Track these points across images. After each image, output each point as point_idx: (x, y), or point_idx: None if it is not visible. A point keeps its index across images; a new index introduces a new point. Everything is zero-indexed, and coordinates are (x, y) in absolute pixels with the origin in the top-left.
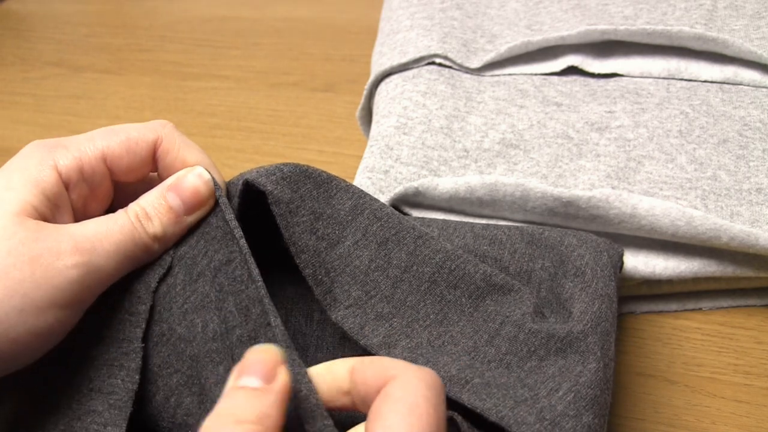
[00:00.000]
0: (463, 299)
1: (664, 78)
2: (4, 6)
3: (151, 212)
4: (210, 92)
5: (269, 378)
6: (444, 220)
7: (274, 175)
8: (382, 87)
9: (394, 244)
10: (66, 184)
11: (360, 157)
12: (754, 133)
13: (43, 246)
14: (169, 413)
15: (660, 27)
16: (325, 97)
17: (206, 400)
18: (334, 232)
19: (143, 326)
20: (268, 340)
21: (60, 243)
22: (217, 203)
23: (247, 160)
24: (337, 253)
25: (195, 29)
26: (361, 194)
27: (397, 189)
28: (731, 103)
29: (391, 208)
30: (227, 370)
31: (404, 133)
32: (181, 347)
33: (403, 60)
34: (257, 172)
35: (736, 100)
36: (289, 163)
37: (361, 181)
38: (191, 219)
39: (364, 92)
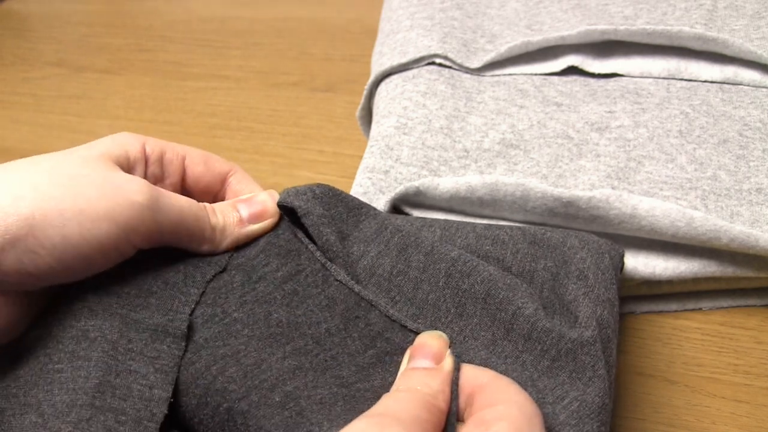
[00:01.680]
0: (476, 286)
1: (664, 78)
2: (4, 6)
3: (218, 209)
4: (210, 92)
5: (438, 359)
6: (446, 220)
7: (305, 194)
8: (382, 87)
9: (413, 249)
10: (147, 158)
11: (360, 157)
12: (754, 133)
13: (115, 174)
14: (207, 379)
15: (660, 27)
16: (325, 97)
17: (263, 370)
18: (359, 249)
19: (193, 306)
20: (360, 330)
21: (131, 180)
22: (281, 225)
23: (247, 160)
24: (362, 266)
25: (195, 29)
26: (387, 217)
27: (398, 189)
28: (731, 103)
29: (414, 225)
30: (295, 349)
31: (404, 133)
32: (236, 327)
33: (403, 60)
34: (286, 193)
35: (736, 100)
36: (321, 184)
37: (361, 181)
38: (253, 228)
39: (364, 92)
